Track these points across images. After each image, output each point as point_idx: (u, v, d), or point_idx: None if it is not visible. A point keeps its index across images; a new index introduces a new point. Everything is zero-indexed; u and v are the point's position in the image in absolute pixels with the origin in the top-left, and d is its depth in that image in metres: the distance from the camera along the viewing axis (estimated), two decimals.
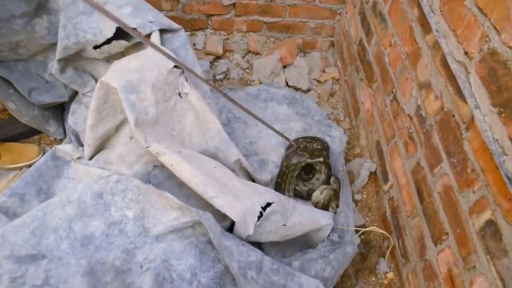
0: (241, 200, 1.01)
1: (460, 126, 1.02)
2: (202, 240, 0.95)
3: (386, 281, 1.35)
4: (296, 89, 1.96)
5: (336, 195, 1.41)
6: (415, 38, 1.26)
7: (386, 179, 1.47)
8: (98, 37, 1.26)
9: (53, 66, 1.29)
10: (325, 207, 1.39)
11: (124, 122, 1.22)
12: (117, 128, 1.20)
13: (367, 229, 1.35)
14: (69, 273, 0.84)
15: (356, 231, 1.35)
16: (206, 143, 1.22)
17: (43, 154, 1.53)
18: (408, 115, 1.30)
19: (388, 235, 1.38)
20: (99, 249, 0.91)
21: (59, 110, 1.62)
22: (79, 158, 1.20)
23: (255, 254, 0.99)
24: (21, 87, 1.39)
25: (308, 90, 1.98)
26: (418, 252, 1.22)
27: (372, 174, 1.58)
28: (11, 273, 0.83)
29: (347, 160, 1.69)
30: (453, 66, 1.04)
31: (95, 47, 1.27)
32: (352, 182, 1.59)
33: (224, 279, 0.93)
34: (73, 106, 1.47)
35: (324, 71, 2.07)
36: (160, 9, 1.96)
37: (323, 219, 1.16)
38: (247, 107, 1.72)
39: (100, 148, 1.21)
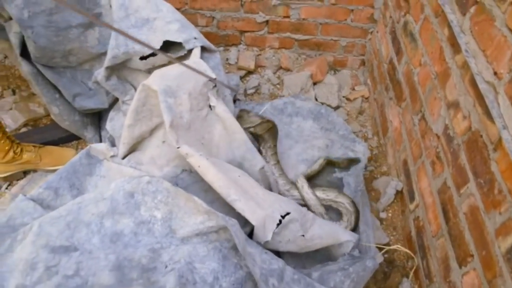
0: (261, 207, 1.04)
1: (488, 146, 1.01)
2: (226, 246, 0.98)
3: None
4: (326, 105, 1.98)
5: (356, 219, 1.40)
6: (444, 58, 1.27)
7: (412, 198, 1.45)
8: (145, 49, 1.35)
9: (100, 73, 1.39)
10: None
11: (158, 126, 1.29)
12: (151, 132, 1.26)
13: (390, 247, 1.34)
14: (99, 266, 0.89)
15: (380, 249, 1.34)
16: (233, 153, 1.26)
17: None
18: (436, 134, 1.30)
19: (412, 255, 1.36)
20: (127, 246, 0.96)
21: (97, 118, 1.72)
22: (112, 156, 1.27)
23: (277, 263, 1.01)
24: (66, 92, 1.50)
25: (338, 107, 2.00)
26: (442, 273, 1.20)
27: (399, 193, 1.57)
28: (46, 262, 0.88)
29: (373, 178, 1.69)
30: (482, 86, 1.04)
31: (141, 58, 1.36)
32: (377, 200, 1.58)
33: (245, 286, 0.96)
34: (111, 114, 1.56)
35: (353, 89, 2.08)
36: (196, 24, 2.05)
37: (344, 235, 1.16)
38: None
39: (133, 149, 1.28)
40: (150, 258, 0.92)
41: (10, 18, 1.40)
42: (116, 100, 1.62)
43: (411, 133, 1.50)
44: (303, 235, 1.07)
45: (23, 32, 1.31)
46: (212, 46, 1.43)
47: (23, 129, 1.76)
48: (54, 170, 1.58)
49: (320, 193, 1.41)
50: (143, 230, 1.00)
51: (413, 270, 1.36)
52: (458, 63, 1.18)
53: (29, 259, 0.89)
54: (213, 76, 1.29)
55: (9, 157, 1.45)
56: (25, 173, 1.59)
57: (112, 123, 1.54)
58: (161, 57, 1.40)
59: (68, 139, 1.75)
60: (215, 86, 1.30)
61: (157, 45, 1.36)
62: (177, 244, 0.98)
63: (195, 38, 1.39)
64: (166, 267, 0.91)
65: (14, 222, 1.07)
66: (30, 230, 0.96)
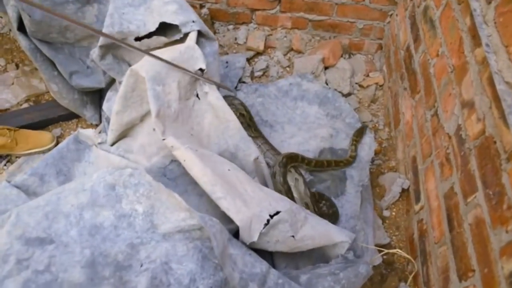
0: (248, 206, 0.98)
1: (501, 155, 0.91)
2: (208, 245, 0.94)
3: None
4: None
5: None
6: (463, 51, 1.15)
7: (418, 199, 1.37)
8: (140, 30, 1.28)
9: (95, 52, 1.33)
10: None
11: (149, 112, 1.23)
12: (142, 118, 1.21)
13: (390, 251, 1.26)
14: (71, 262, 0.85)
15: (379, 251, 1.27)
16: (226, 142, 1.20)
17: (56, 141, 1.60)
18: (448, 134, 1.19)
19: (412, 260, 1.29)
20: (105, 240, 0.93)
21: (98, 97, 1.67)
22: (100, 143, 1.22)
23: (261, 266, 0.96)
24: (63, 69, 1.45)
25: (349, 94, 1.89)
26: (441, 283, 1.12)
27: (405, 191, 1.48)
28: (19, 255, 0.86)
29: (380, 173, 1.60)
30: (500, 87, 0.93)
31: (136, 39, 1.29)
32: (382, 197, 1.50)
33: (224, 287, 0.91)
34: (109, 94, 1.51)
35: (368, 76, 1.96)
36: (205, 0, 1.96)
37: (339, 236, 1.10)
38: (277, 105, 1.69)
39: (123, 135, 1.23)
40: (127, 254, 0.89)
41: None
42: (113, 79, 1.57)
43: (422, 129, 1.40)
44: (292, 236, 1.01)
45: (17, 4, 1.25)
46: (210, 33, 1.34)
47: (25, 105, 1.74)
48: (29, 154, 1.57)
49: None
50: (124, 224, 0.96)
51: (412, 275, 1.29)
52: (478, 58, 1.06)
53: (2, 251, 0.86)
54: (203, 66, 1.20)
55: None
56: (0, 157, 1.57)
57: (108, 104, 1.50)
58: (156, 39, 1.33)
59: (68, 116, 1.72)
60: (203, 73, 1.22)
61: (153, 26, 1.29)
62: (158, 240, 0.94)
63: (193, 22, 1.30)
64: (141, 265, 0.87)
65: None
66: (8, 218, 0.93)
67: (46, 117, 1.69)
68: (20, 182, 1.10)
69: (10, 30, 1.96)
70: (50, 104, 1.72)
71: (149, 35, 1.31)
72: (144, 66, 1.11)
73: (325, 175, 1.49)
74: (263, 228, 0.98)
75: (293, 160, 1.38)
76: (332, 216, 1.32)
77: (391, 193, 1.46)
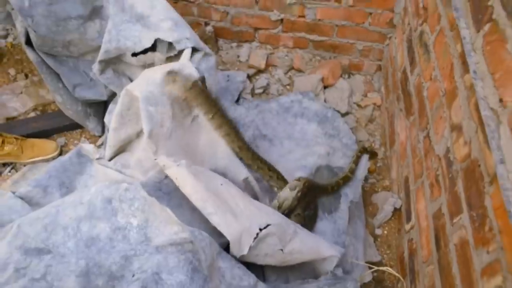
0: (239, 220, 1.01)
1: (484, 178, 0.94)
2: (198, 258, 0.96)
3: None
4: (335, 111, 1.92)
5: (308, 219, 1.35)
6: (454, 76, 1.19)
7: (409, 219, 1.39)
8: (137, 46, 1.33)
9: (95, 66, 1.38)
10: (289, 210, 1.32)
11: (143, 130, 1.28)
12: (138, 134, 1.25)
13: (379, 268, 1.29)
14: (66, 272, 0.89)
15: (369, 268, 1.29)
16: (216, 162, 1.24)
17: (60, 150, 1.65)
18: (438, 155, 1.23)
19: (401, 278, 1.31)
20: (100, 252, 0.96)
21: (101, 109, 1.73)
22: (98, 158, 1.27)
23: (248, 279, 0.98)
24: (67, 81, 1.51)
25: (347, 113, 1.93)
26: None
27: (397, 211, 1.51)
28: (17, 264, 0.90)
29: (373, 192, 1.63)
30: (485, 112, 0.96)
31: (133, 55, 1.35)
32: (374, 215, 1.52)
33: None
34: (111, 106, 1.56)
35: (366, 96, 2.00)
36: (209, 18, 2.03)
37: (328, 250, 1.12)
38: (277, 120, 1.73)
39: (120, 150, 1.28)
40: (120, 265, 0.92)
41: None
42: (115, 92, 1.62)
43: (415, 150, 1.43)
44: (281, 249, 1.04)
45: (23, 20, 1.32)
46: (206, 48, 1.38)
47: (31, 114, 1.80)
48: (34, 162, 1.62)
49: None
50: (119, 236, 0.99)
51: None
52: (466, 83, 1.11)
53: (2, 259, 0.90)
54: (196, 76, 1.23)
55: None
56: (5, 165, 1.62)
57: (110, 116, 1.54)
58: (149, 56, 1.38)
59: (73, 126, 1.77)
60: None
61: (149, 42, 1.34)
62: (151, 252, 0.97)
63: (186, 39, 1.33)
64: (133, 275, 0.91)
65: (1, 218, 1.10)
66: (10, 229, 0.97)
67: (52, 126, 1.75)
68: (24, 194, 1.15)
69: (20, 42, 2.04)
70: (56, 114, 1.77)
71: (145, 51, 1.36)
72: (138, 85, 1.15)
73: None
74: (253, 241, 1.01)
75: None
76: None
77: (384, 212, 1.49)
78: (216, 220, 1.00)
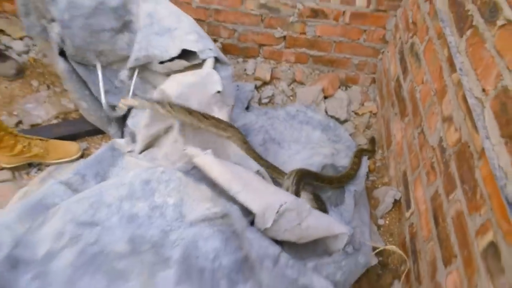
0: (262, 197, 1.15)
1: (474, 155, 1.10)
2: (229, 230, 1.09)
3: None
4: (335, 118, 2.09)
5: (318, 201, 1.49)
6: (443, 76, 1.37)
7: (408, 207, 1.54)
8: (164, 54, 1.50)
9: (124, 73, 1.54)
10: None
11: (172, 127, 1.42)
12: (166, 130, 1.40)
13: (385, 246, 1.42)
14: (115, 238, 1.00)
15: (374, 249, 1.42)
16: (228, 157, 1.39)
17: (82, 153, 1.79)
18: (432, 146, 1.39)
19: (405, 257, 1.44)
20: (140, 227, 1.08)
21: (122, 116, 1.87)
22: (130, 151, 1.40)
23: (274, 249, 1.11)
24: (95, 88, 1.66)
25: (346, 120, 2.10)
26: (430, 274, 1.27)
27: (397, 202, 1.66)
28: (71, 233, 1.01)
29: (374, 188, 1.78)
30: (471, 101, 1.14)
31: (160, 62, 1.51)
32: (376, 207, 1.67)
33: (243, 266, 1.06)
34: (134, 111, 1.71)
35: (363, 105, 2.19)
36: (218, 35, 2.21)
37: (339, 228, 1.26)
38: (285, 126, 1.90)
39: (149, 145, 1.41)
40: (160, 237, 1.04)
41: (53, 20, 1.58)
42: None
43: (411, 146, 1.60)
44: (299, 224, 1.17)
45: (62, 31, 1.47)
46: (225, 59, 1.56)
47: (54, 121, 1.93)
48: (59, 163, 1.74)
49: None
50: (156, 214, 1.11)
51: (404, 274, 1.44)
52: (454, 80, 1.29)
53: (57, 229, 1.02)
54: (220, 88, 1.41)
55: (18, 150, 1.59)
56: (30, 165, 1.73)
57: (134, 120, 1.69)
58: (177, 63, 1.54)
59: (94, 132, 1.90)
60: (220, 99, 1.44)
61: (175, 52, 1.51)
62: (185, 227, 1.09)
63: (209, 49, 1.52)
64: (173, 244, 1.03)
65: (46, 201, 1.21)
66: (58, 209, 1.09)
67: (74, 131, 1.87)
68: (65, 180, 1.26)
69: (43, 56, 2.19)
70: (77, 121, 1.91)
71: (171, 59, 1.53)
72: (171, 86, 1.31)
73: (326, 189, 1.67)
74: (275, 215, 1.14)
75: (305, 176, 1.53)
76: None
77: (385, 204, 1.63)
78: (243, 197, 1.13)
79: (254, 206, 1.13)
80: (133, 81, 1.59)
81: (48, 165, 1.75)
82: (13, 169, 1.70)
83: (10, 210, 1.12)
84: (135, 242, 1.02)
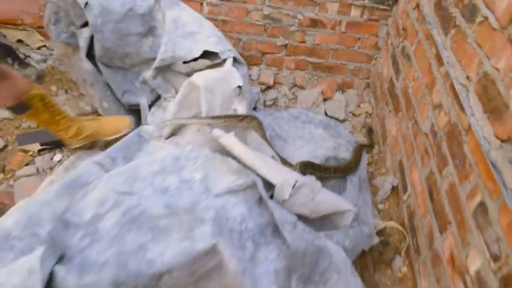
0: (280, 173, 1.30)
1: (462, 133, 1.27)
2: (252, 200, 1.23)
3: (400, 275, 1.53)
4: (334, 119, 2.26)
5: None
6: (432, 71, 1.56)
7: (405, 190, 1.70)
8: (188, 55, 1.67)
9: (148, 73, 1.70)
10: None
11: (195, 116, 1.57)
12: (191, 120, 1.55)
13: (388, 223, 1.57)
14: (153, 203, 1.14)
15: (376, 229, 1.57)
16: (246, 143, 1.54)
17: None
18: (425, 133, 1.56)
19: (404, 232, 1.58)
20: (172, 197, 1.21)
21: (138, 117, 2.02)
22: (158, 137, 1.54)
23: (292, 217, 1.24)
24: (118, 88, 1.81)
25: (344, 120, 2.28)
26: (427, 244, 1.42)
27: (394, 189, 1.81)
28: (113, 200, 1.14)
29: (373, 178, 1.94)
30: (458, 87, 1.32)
31: (184, 62, 1.68)
32: (376, 194, 1.82)
33: (265, 230, 1.19)
34: (153, 109, 1.86)
35: (359, 106, 2.37)
36: None
37: (346, 205, 1.40)
38: (289, 125, 2.06)
39: (174, 133, 1.56)
40: (191, 205, 1.17)
41: (81, 26, 1.75)
42: (156, 99, 1.93)
43: (405, 137, 1.77)
44: (312, 199, 1.32)
45: (94, 34, 1.63)
46: (241, 59, 1.74)
47: None
48: (115, 140, 1.84)
49: None
50: (185, 187, 1.25)
51: (404, 249, 1.58)
52: (442, 73, 1.47)
53: (100, 197, 1.15)
54: (241, 83, 1.58)
55: (72, 133, 1.73)
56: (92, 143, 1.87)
57: (152, 117, 1.84)
58: (199, 63, 1.71)
59: None
60: (240, 92, 1.61)
61: (198, 53, 1.68)
62: (212, 199, 1.23)
63: (229, 50, 1.70)
64: (205, 208, 1.16)
65: (82, 180, 1.33)
66: (99, 182, 1.22)
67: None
68: (99, 161, 1.39)
69: (59, 63, 2.34)
70: None
71: (195, 60, 1.69)
72: (199, 78, 1.47)
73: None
74: (292, 189, 1.28)
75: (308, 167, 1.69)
76: None
77: (384, 190, 1.79)
78: (264, 171, 1.28)
79: (274, 179, 1.27)
80: (157, 80, 1.75)
81: (91, 147, 1.88)
82: (75, 150, 1.86)
83: (48, 190, 1.25)
84: (171, 207, 1.15)
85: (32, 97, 1.56)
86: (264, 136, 1.61)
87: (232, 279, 1.09)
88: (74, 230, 1.09)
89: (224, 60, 1.70)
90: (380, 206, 1.79)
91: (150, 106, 1.93)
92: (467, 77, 1.29)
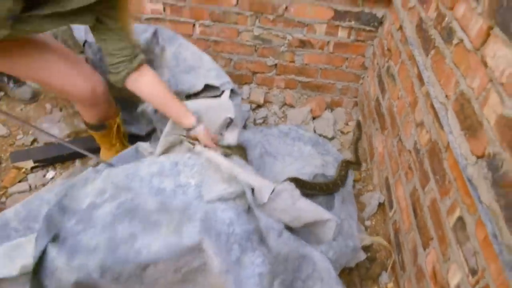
0: (259, 179, 1.33)
1: (442, 150, 1.31)
2: (241, 208, 1.26)
3: None
4: (323, 136, 2.31)
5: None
6: (414, 90, 1.61)
7: (391, 207, 1.73)
8: (191, 89, 1.74)
9: (150, 106, 1.74)
10: None
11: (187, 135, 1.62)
12: (181, 141, 1.59)
13: (374, 238, 1.59)
14: (147, 201, 1.18)
15: (362, 245, 1.59)
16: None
17: None
18: (408, 150, 1.60)
19: (390, 248, 1.60)
20: (167, 198, 1.25)
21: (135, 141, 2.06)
22: (151, 153, 1.58)
23: (278, 225, 1.26)
24: None
25: (333, 138, 2.32)
26: (412, 260, 1.44)
27: (381, 206, 1.84)
28: (111, 191, 1.20)
29: (360, 194, 1.97)
30: (437, 106, 1.36)
31: (187, 97, 1.74)
32: (363, 210, 1.85)
33: (252, 236, 1.21)
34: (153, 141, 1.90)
35: (347, 124, 2.42)
36: None
37: (327, 214, 1.42)
38: (279, 142, 2.10)
39: (166, 152, 1.59)
40: (183, 207, 1.21)
41: (82, 52, 1.80)
42: (152, 131, 1.98)
43: (391, 154, 1.81)
44: (293, 204, 1.34)
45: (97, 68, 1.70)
46: (237, 90, 1.84)
47: (66, 139, 2.09)
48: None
49: None
50: (180, 191, 1.28)
51: (390, 265, 1.60)
52: (423, 92, 1.52)
53: (99, 188, 1.20)
54: (233, 115, 1.64)
55: (114, 153, 1.78)
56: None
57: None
58: (201, 97, 1.79)
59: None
60: (231, 123, 1.67)
61: (200, 87, 1.76)
62: (204, 204, 1.26)
63: (228, 83, 1.80)
64: (195, 209, 1.19)
65: (80, 184, 1.37)
66: (100, 175, 1.27)
67: (85, 147, 2.04)
68: (98, 169, 1.44)
69: None
70: (89, 138, 2.07)
71: (196, 94, 1.76)
72: (192, 103, 1.54)
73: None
74: (271, 193, 1.30)
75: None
76: None
77: (371, 206, 1.82)
78: (243, 177, 1.30)
79: (253, 182, 1.30)
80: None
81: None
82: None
83: (48, 189, 1.29)
84: (164, 205, 1.19)
85: (114, 123, 1.73)
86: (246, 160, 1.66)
87: (216, 279, 1.13)
88: (70, 215, 1.15)
89: (222, 91, 1.77)
90: (367, 223, 1.81)
91: (145, 137, 1.98)
92: (446, 96, 1.33)
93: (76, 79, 1.46)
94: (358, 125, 2.33)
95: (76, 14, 1.13)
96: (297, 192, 1.37)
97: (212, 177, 1.30)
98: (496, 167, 1.00)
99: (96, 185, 1.22)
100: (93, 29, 1.28)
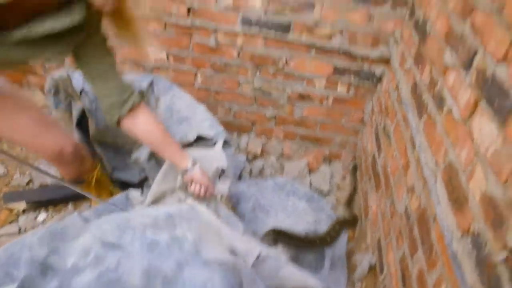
0: (245, 241, 1.30)
1: (430, 219, 1.28)
2: (236, 281, 1.20)
3: None
4: (319, 190, 2.28)
5: None
6: (407, 153, 1.60)
7: (381, 271, 1.66)
8: (183, 140, 1.76)
9: (143, 155, 1.76)
10: None
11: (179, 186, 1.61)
12: (173, 190, 1.58)
13: None
14: (133, 268, 1.12)
15: None
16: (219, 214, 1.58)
17: None
18: (400, 214, 1.57)
19: None
20: (160, 255, 1.18)
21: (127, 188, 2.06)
22: (141, 202, 1.57)
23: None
24: (108, 164, 1.87)
25: (328, 192, 2.29)
26: None
27: (372, 268, 1.78)
28: (97, 253, 1.13)
29: (352, 254, 1.91)
30: (427, 173, 1.34)
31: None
32: (353, 272, 1.78)
33: None
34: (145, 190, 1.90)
35: (344, 178, 2.39)
36: (216, 113, 2.48)
37: (313, 281, 1.37)
38: (273, 196, 2.08)
39: (157, 201, 1.59)
40: (174, 271, 1.14)
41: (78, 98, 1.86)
42: (145, 178, 1.98)
43: (384, 215, 1.77)
44: (277, 272, 1.30)
45: (89, 117, 1.74)
46: (229, 141, 1.86)
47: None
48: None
49: None
50: (176, 245, 1.22)
51: None
52: (415, 156, 1.51)
53: (86, 245, 1.15)
54: (225, 166, 1.66)
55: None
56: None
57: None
58: (193, 147, 1.80)
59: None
60: (223, 174, 1.68)
61: (192, 137, 1.78)
62: (200, 264, 1.18)
63: (221, 133, 1.82)
64: (184, 283, 1.14)
65: (65, 230, 1.30)
66: (90, 225, 1.24)
67: (77, 192, 2.04)
68: (85, 215, 1.42)
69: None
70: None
71: (189, 145, 1.78)
72: None
73: (309, 252, 1.80)
74: (255, 259, 1.27)
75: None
76: None
77: (361, 268, 1.75)
78: (230, 237, 1.27)
79: (239, 245, 1.26)
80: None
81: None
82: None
83: (33, 233, 1.26)
84: (150, 273, 1.13)
85: (92, 177, 1.78)
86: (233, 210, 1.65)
87: None
88: (51, 277, 1.09)
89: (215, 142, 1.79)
90: (358, 285, 1.74)
91: (138, 185, 1.98)
92: (436, 163, 1.32)
93: (44, 140, 1.51)
94: (354, 173, 2.29)
95: (47, 43, 1.10)
96: (282, 258, 1.34)
97: (211, 238, 1.27)
98: (480, 246, 0.97)
99: (82, 242, 1.18)
100: (79, 67, 1.31)
